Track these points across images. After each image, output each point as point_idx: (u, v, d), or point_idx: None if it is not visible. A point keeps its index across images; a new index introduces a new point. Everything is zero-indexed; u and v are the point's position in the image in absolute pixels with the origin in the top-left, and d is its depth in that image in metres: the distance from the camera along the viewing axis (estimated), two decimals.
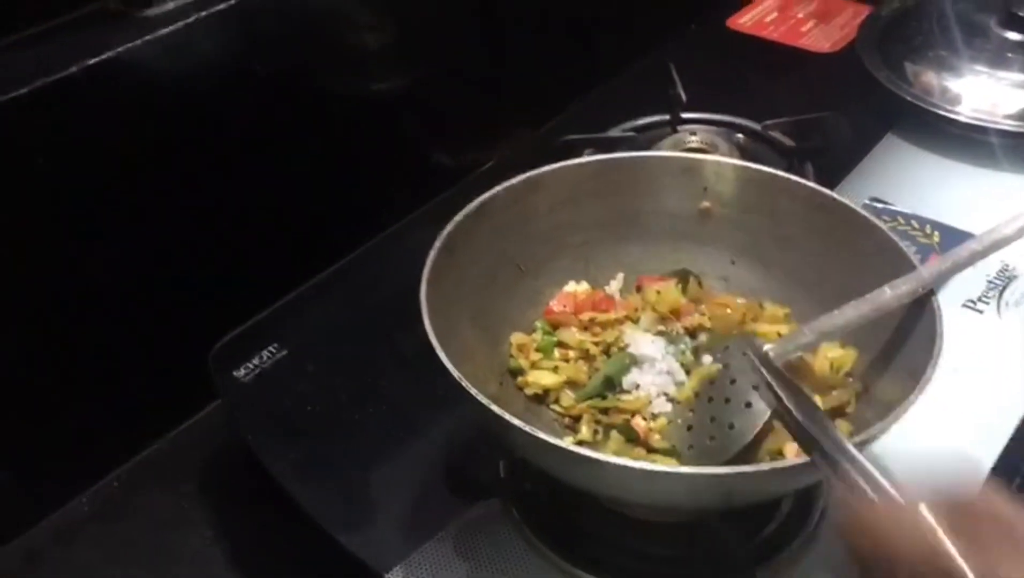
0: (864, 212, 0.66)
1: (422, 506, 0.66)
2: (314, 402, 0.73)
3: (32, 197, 0.68)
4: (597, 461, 0.52)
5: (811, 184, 0.68)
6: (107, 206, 0.72)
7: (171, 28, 0.72)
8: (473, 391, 0.54)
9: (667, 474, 0.52)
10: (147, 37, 0.70)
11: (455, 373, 0.55)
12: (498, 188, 0.68)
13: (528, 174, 0.69)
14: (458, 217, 0.65)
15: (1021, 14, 0.99)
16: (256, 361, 0.75)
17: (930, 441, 0.66)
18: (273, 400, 0.73)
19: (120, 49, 0.69)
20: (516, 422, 0.53)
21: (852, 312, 0.60)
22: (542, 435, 0.52)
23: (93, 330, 0.74)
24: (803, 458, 0.51)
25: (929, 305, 0.58)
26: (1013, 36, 0.99)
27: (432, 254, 0.62)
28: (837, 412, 0.62)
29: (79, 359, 0.74)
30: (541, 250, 0.71)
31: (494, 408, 0.53)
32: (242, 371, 0.74)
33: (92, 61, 0.68)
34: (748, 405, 0.58)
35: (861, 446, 0.52)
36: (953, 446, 0.67)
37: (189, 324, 0.77)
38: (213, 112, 0.77)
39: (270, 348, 0.76)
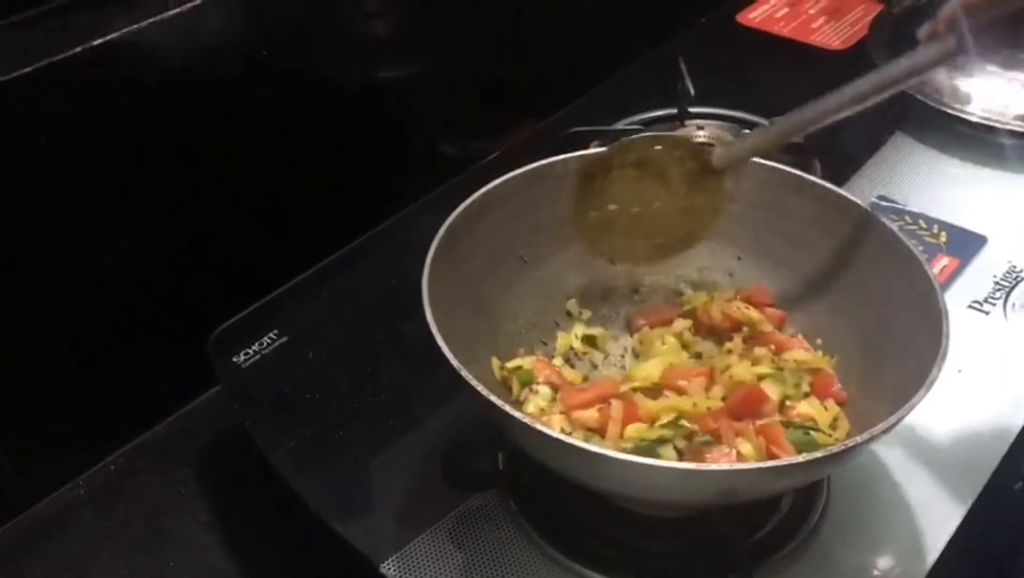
0: (871, 210, 0.65)
1: (419, 496, 0.66)
2: (313, 389, 0.73)
3: (33, 177, 0.68)
4: (596, 454, 0.51)
5: (819, 181, 0.67)
6: (109, 189, 0.72)
7: (178, 10, 0.71)
8: (473, 381, 0.54)
9: (666, 469, 0.51)
10: (153, 19, 0.70)
11: (455, 363, 0.54)
12: (500, 180, 0.67)
13: (531, 166, 0.69)
14: (460, 208, 0.65)
15: None
16: (256, 347, 0.75)
17: (934, 440, 0.66)
18: (272, 387, 0.73)
19: (125, 31, 0.69)
20: (516, 414, 0.53)
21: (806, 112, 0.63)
22: (540, 427, 0.52)
23: (93, 313, 0.74)
24: (803, 457, 0.51)
25: (935, 305, 0.58)
26: None
27: (434, 245, 0.62)
28: None
29: (78, 343, 0.74)
30: (544, 242, 0.70)
31: (493, 399, 0.53)
32: (241, 357, 0.74)
33: (97, 42, 0.67)
34: None
35: (866, 444, 0.51)
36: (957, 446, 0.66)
37: (189, 309, 0.77)
38: (218, 96, 0.76)
39: (270, 334, 0.76)
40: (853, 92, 0.62)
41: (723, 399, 0.63)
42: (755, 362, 0.66)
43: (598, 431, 0.61)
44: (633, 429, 0.61)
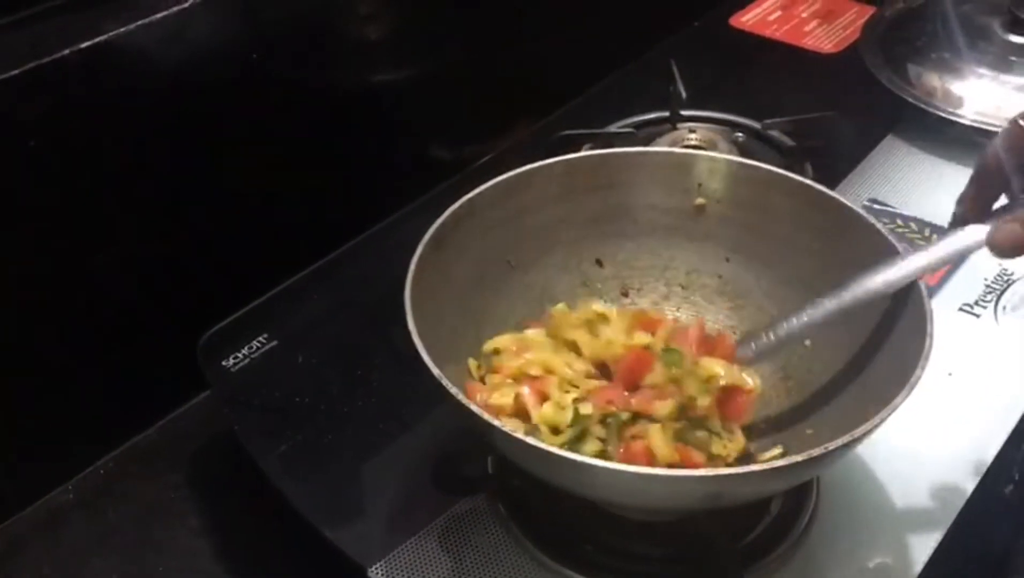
0: (859, 209, 0.65)
1: (409, 501, 0.65)
2: (303, 394, 0.72)
3: (21, 180, 0.68)
4: (578, 463, 0.51)
5: (806, 181, 0.67)
6: (98, 192, 0.72)
7: (166, 13, 0.71)
8: (453, 390, 0.54)
9: (651, 476, 0.51)
10: (141, 21, 0.70)
11: (436, 372, 0.54)
12: (487, 184, 0.67)
13: (518, 170, 0.68)
14: (446, 214, 0.65)
15: None
16: (245, 351, 0.75)
17: (925, 443, 0.66)
18: (262, 391, 0.73)
19: (114, 33, 0.68)
20: (495, 422, 0.53)
21: (829, 305, 0.62)
22: (521, 436, 0.52)
23: (82, 317, 0.74)
24: (791, 459, 0.51)
25: (919, 305, 0.58)
26: (1017, 39, 0.98)
27: (419, 251, 0.62)
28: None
29: (67, 346, 0.74)
30: (532, 246, 0.70)
31: (473, 408, 0.53)
32: (231, 361, 0.74)
33: (85, 44, 0.67)
34: None
35: (849, 446, 0.51)
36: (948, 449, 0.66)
37: (179, 312, 0.77)
38: (208, 99, 0.76)
39: (260, 338, 0.76)
40: (887, 281, 0.61)
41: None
42: None
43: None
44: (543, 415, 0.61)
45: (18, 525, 0.72)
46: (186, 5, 0.72)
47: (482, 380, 0.65)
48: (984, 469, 0.65)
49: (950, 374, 0.71)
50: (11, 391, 0.71)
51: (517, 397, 0.61)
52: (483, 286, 0.68)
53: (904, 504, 0.63)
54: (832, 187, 0.71)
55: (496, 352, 0.66)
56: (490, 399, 0.62)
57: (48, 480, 0.74)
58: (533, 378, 0.63)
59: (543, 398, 0.62)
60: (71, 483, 0.75)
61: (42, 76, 0.65)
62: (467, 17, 0.97)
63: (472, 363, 0.66)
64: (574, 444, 0.59)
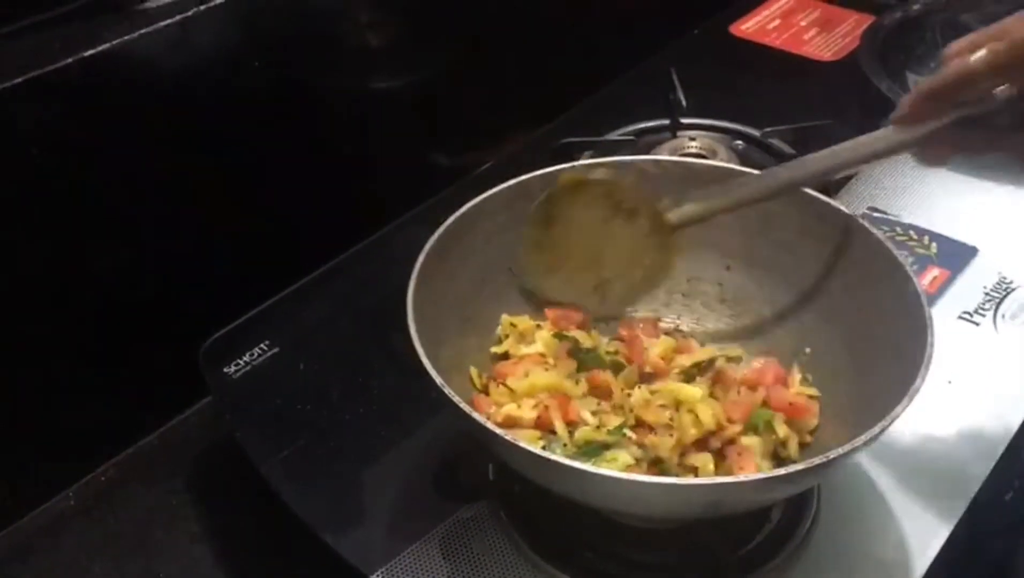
0: (858, 218, 0.65)
1: (410, 507, 0.65)
2: (304, 400, 0.73)
3: (25, 188, 0.68)
4: (579, 471, 0.51)
5: (806, 190, 0.67)
6: (100, 199, 0.72)
7: (168, 22, 0.72)
8: (455, 398, 0.54)
9: (651, 485, 0.51)
10: (144, 30, 0.70)
11: (438, 380, 0.55)
12: (486, 194, 0.67)
13: (520, 178, 0.69)
14: (447, 222, 0.65)
15: None
16: (247, 358, 0.75)
17: (924, 451, 0.66)
18: (263, 398, 0.73)
19: (116, 42, 0.69)
20: (497, 431, 0.53)
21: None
22: (523, 444, 0.52)
23: (84, 324, 0.74)
24: (792, 467, 0.51)
25: (920, 314, 0.58)
26: None
27: (421, 259, 0.62)
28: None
29: (69, 353, 0.74)
30: None
31: (475, 416, 0.53)
32: (232, 368, 0.74)
33: (88, 53, 0.67)
34: None
35: (850, 454, 0.51)
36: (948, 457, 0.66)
37: (181, 319, 0.77)
38: (209, 108, 0.77)
39: (261, 345, 0.76)
40: (813, 168, 0.64)
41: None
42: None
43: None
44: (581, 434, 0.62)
45: (20, 531, 0.72)
46: (188, 14, 0.73)
47: (485, 389, 0.65)
48: (984, 476, 0.65)
49: (950, 382, 0.71)
50: (12, 397, 0.71)
51: (541, 412, 0.62)
52: (484, 294, 0.68)
53: (904, 511, 0.63)
54: (831, 195, 0.71)
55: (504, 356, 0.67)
56: (509, 411, 0.62)
57: (49, 486, 0.74)
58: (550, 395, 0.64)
59: (567, 414, 0.63)
60: (72, 489, 0.75)
61: (45, 84, 0.66)
62: (468, 25, 0.97)
63: (474, 371, 0.66)
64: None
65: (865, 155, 0.62)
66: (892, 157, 0.62)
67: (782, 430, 0.62)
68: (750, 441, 0.61)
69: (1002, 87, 0.57)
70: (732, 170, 0.72)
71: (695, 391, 0.63)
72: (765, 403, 0.63)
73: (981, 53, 0.56)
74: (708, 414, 0.60)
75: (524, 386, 0.63)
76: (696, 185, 0.68)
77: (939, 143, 0.59)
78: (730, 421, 0.61)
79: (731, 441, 0.61)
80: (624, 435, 0.62)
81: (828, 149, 0.63)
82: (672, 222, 0.66)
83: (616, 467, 0.59)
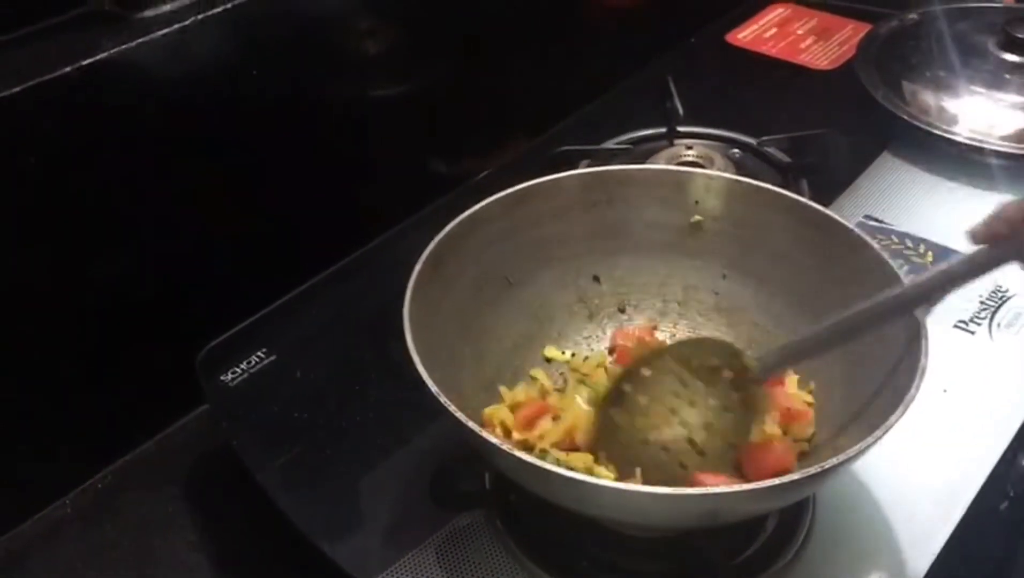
0: (855, 228, 0.65)
1: (406, 516, 0.66)
2: (301, 408, 0.73)
3: (21, 197, 0.68)
4: (574, 480, 0.51)
5: (802, 199, 0.68)
6: (97, 207, 0.72)
7: (166, 31, 0.72)
8: (452, 408, 0.54)
9: (649, 494, 0.51)
10: (141, 39, 0.70)
11: (434, 389, 0.55)
12: (484, 202, 0.68)
13: (517, 187, 0.69)
14: (444, 230, 0.65)
15: (1020, 36, 0.99)
16: (243, 366, 0.75)
17: (920, 460, 0.66)
18: (260, 405, 0.73)
19: (114, 51, 0.69)
20: (493, 440, 0.53)
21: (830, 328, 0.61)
22: (520, 454, 0.52)
23: (81, 331, 0.74)
24: (788, 477, 0.51)
25: (914, 322, 0.58)
26: (1011, 58, 0.99)
27: (417, 267, 0.62)
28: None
29: (65, 361, 0.74)
30: (530, 262, 0.71)
31: (471, 425, 0.53)
32: (229, 376, 0.74)
33: (86, 62, 0.67)
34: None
35: (844, 464, 0.52)
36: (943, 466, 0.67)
37: (177, 327, 0.77)
38: (206, 116, 0.77)
39: (258, 353, 0.76)
40: (904, 298, 0.59)
41: None
42: None
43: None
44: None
45: (16, 539, 0.72)
46: (186, 23, 0.73)
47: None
48: (979, 485, 0.65)
49: (945, 391, 0.71)
50: (9, 404, 0.71)
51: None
52: (481, 302, 0.68)
53: (900, 521, 0.64)
54: (828, 204, 0.71)
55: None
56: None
57: (46, 494, 0.74)
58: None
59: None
60: (69, 497, 0.75)
61: (43, 93, 0.66)
62: (465, 33, 0.98)
63: (504, 390, 0.67)
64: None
65: (968, 274, 0.58)
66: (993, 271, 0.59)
67: (773, 429, 0.62)
68: None
69: None
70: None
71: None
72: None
73: None
74: None
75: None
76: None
77: None
78: None
79: None
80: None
81: (927, 276, 0.59)
82: (759, 375, 0.62)
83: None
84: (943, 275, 0.58)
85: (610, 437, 0.62)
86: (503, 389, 0.67)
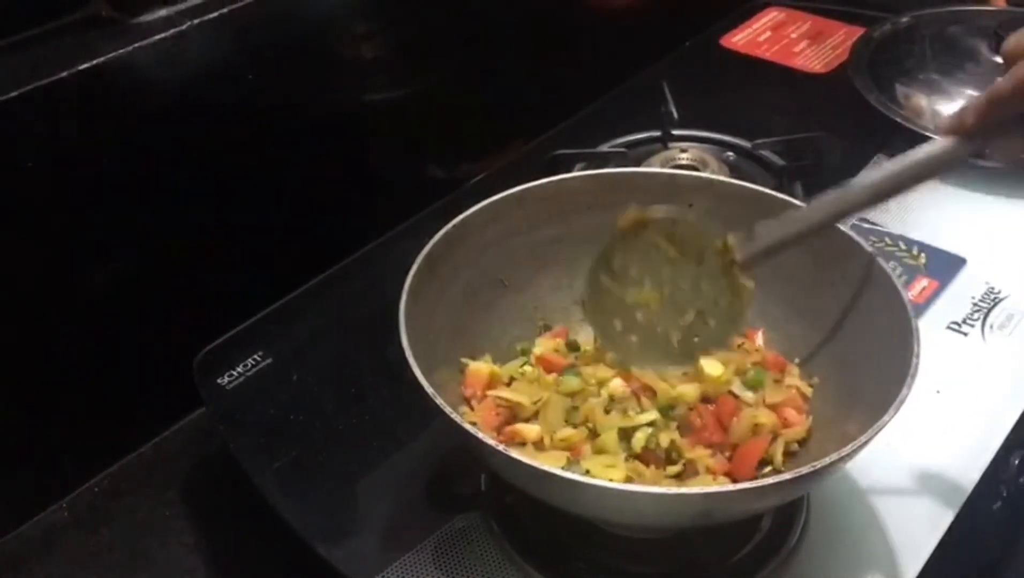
0: (848, 231, 0.66)
1: (402, 518, 0.66)
2: (298, 411, 0.73)
3: (18, 200, 0.68)
4: (568, 481, 0.52)
5: (795, 202, 0.68)
6: (94, 211, 0.73)
7: (162, 35, 0.72)
8: (448, 410, 0.54)
9: (643, 494, 0.52)
10: (138, 44, 0.71)
11: (430, 391, 0.55)
12: (480, 205, 0.68)
13: (511, 190, 0.69)
14: (439, 234, 0.65)
15: None
16: (240, 369, 0.75)
17: (913, 460, 0.67)
18: (257, 408, 0.73)
19: (111, 55, 0.69)
20: (489, 441, 0.53)
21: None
22: (515, 455, 0.53)
23: (78, 334, 0.74)
24: (781, 476, 0.51)
25: (907, 324, 0.58)
26: (1003, 61, 0.99)
27: (412, 271, 0.62)
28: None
29: (62, 364, 0.74)
30: (525, 265, 0.71)
31: (467, 426, 0.54)
32: (226, 379, 0.74)
33: (83, 66, 0.68)
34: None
35: (837, 464, 0.52)
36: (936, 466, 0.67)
37: (174, 331, 0.77)
38: (203, 121, 0.77)
39: (255, 356, 0.76)
40: (876, 188, 0.59)
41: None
42: None
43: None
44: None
45: (12, 543, 0.72)
46: (183, 28, 0.73)
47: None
48: (972, 485, 0.66)
49: (938, 392, 0.71)
50: (5, 408, 0.71)
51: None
52: (477, 305, 0.69)
53: (893, 521, 0.64)
54: None
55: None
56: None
57: (42, 498, 0.74)
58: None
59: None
60: (66, 501, 0.75)
61: (40, 97, 0.66)
62: (461, 38, 0.98)
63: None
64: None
65: (929, 170, 0.57)
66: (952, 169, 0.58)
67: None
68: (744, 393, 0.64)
69: None
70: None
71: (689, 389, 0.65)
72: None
73: None
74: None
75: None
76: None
77: (1009, 142, 0.56)
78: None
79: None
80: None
81: (883, 168, 0.59)
82: (742, 260, 0.61)
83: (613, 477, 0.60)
84: (908, 168, 0.58)
85: (599, 304, 0.64)
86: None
